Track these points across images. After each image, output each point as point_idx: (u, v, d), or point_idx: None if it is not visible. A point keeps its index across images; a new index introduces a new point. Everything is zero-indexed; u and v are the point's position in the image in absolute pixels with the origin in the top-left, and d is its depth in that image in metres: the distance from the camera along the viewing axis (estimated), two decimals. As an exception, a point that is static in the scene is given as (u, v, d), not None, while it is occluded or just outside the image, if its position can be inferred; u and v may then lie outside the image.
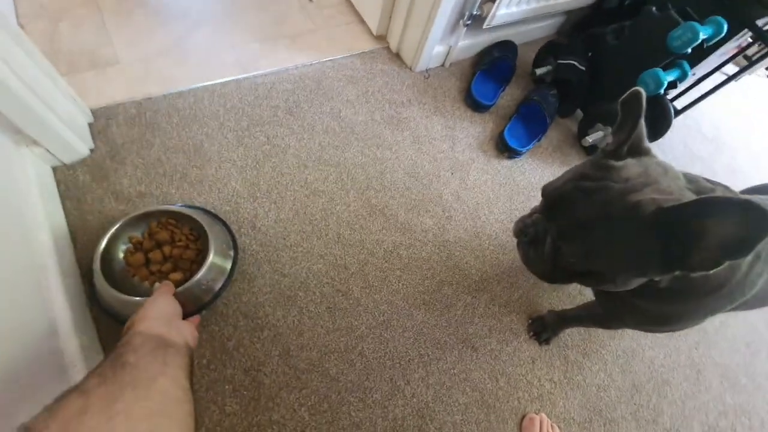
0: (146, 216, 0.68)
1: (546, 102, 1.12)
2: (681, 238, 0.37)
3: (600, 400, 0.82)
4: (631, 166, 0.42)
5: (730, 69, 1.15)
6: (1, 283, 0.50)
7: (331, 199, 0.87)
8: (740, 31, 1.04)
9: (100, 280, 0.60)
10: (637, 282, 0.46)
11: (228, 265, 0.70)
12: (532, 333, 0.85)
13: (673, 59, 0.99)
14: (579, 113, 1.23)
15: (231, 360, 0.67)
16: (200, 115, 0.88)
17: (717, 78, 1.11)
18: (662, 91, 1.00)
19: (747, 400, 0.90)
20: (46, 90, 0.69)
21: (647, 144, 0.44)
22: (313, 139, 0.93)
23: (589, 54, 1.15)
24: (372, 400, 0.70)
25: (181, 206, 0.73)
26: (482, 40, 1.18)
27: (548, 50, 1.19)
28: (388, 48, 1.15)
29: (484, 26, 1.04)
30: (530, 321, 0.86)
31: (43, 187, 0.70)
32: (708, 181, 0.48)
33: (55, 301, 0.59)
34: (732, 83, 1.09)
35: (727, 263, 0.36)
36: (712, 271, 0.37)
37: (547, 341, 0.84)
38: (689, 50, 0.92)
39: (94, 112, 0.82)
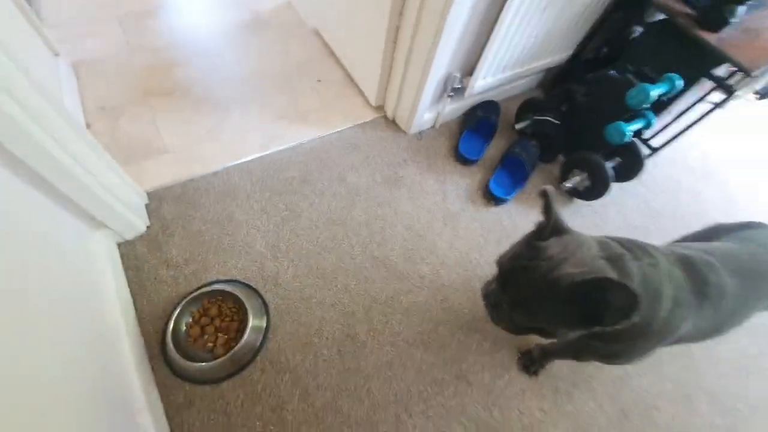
0: (200, 296, 0.86)
1: (527, 152, 1.27)
2: (592, 303, 0.49)
3: (590, 427, 0.89)
4: (553, 245, 0.55)
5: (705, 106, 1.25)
6: (85, 339, 0.67)
7: (339, 254, 1.02)
8: (699, 80, 1.17)
9: (175, 357, 0.77)
10: (574, 334, 0.57)
11: (264, 324, 0.86)
12: (521, 366, 0.95)
13: (636, 112, 1.12)
14: (561, 158, 1.36)
15: (260, 400, 0.81)
16: (231, 189, 1.08)
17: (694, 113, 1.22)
18: (628, 139, 1.12)
19: (734, 423, 0.95)
20: (111, 180, 0.88)
21: (565, 224, 0.57)
22: (323, 203, 1.10)
23: (564, 108, 1.29)
24: (384, 428, 0.81)
25: (223, 282, 0.90)
26: (467, 103, 1.35)
27: (526, 107, 1.35)
28: (385, 116, 1.34)
29: (465, 95, 1.22)
30: (519, 355, 0.96)
31: (112, 261, 0.89)
32: (621, 244, 0.59)
33: (123, 353, 0.76)
34: (718, 110, 1.19)
35: (637, 318, 0.48)
36: (621, 326, 0.49)
37: (535, 373, 0.94)
38: (646, 106, 1.05)
39: (149, 195, 1.02)
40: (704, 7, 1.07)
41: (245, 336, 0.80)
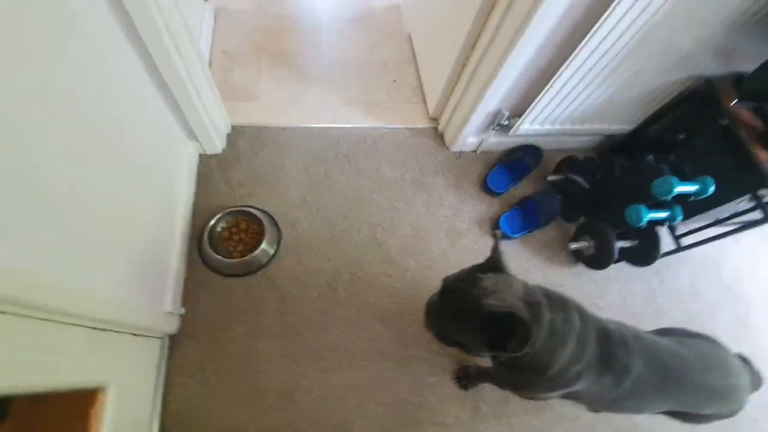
0: (238, 211, 1.12)
1: (547, 203, 1.35)
2: (498, 331, 0.62)
3: (491, 449, 1.01)
4: (488, 279, 0.68)
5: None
6: (158, 202, 0.96)
7: (350, 224, 1.23)
8: (743, 195, 1.16)
9: (211, 255, 1.04)
10: (485, 355, 0.70)
11: (272, 252, 1.11)
12: (455, 376, 1.08)
13: (666, 200, 1.15)
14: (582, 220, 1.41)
15: (248, 300, 1.06)
16: (291, 144, 1.33)
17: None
18: (644, 224, 1.15)
19: None
20: (212, 106, 1.17)
21: (504, 266, 0.69)
22: (355, 180, 1.31)
23: (598, 176, 1.35)
24: (325, 363, 1.02)
25: (257, 209, 1.15)
26: (512, 140, 1.46)
27: (566, 162, 1.42)
28: (436, 128, 1.50)
29: (509, 134, 1.33)
30: (458, 366, 1.09)
31: (191, 164, 1.19)
32: (547, 295, 0.71)
33: (176, 226, 1.05)
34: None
35: (533, 350, 0.61)
36: (522, 354, 0.61)
37: (465, 387, 1.06)
38: (668, 198, 1.09)
39: (233, 127, 1.31)
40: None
41: (256, 252, 1.05)
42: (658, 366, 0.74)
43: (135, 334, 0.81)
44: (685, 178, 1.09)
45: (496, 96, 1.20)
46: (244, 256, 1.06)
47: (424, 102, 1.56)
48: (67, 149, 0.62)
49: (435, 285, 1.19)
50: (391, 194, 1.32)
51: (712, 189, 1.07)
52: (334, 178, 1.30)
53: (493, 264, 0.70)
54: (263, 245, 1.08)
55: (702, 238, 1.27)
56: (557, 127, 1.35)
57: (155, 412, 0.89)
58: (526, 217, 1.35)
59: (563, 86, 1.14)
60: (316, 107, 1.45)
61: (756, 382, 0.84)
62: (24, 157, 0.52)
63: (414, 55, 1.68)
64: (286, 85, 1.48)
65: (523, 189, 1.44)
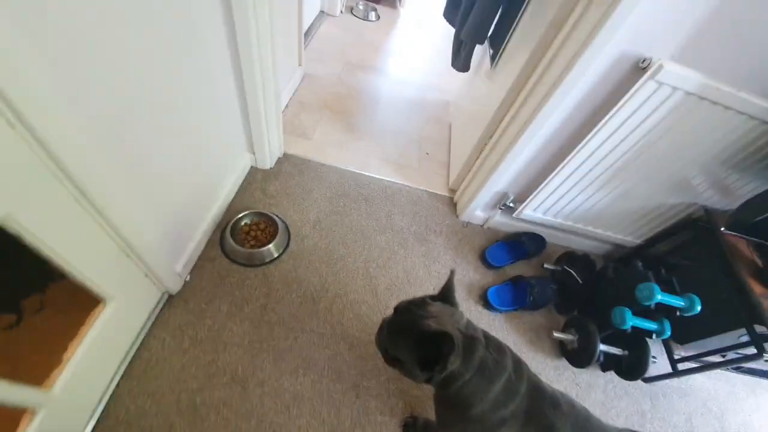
0: (263, 214, 1.34)
1: (540, 288, 1.39)
2: (432, 352, 0.69)
3: None
4: (435, 306, 0.76)
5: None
6: (198, 199, 1.19)
7: (350, 253, 1.37)
8: (739, 328, 1.13)
9: (228, 239, 1.25)
10: (418, 375, 0.74)
11: (276, 254, 1.27)
12: (403, 424, 1.06)
13: (650, 307, 1.16)
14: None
15: (242, 286, 1.19)
16: (323, 177, 1.58)
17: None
18: (627, 328, 1.15)
19: None
20: (275, 134, 1.48)
21: (454, 300, 0.77)
22: (367, 220, 1.49)
23: (593, 274, 1.39)
24: (284, 365, 1.08)
25: (277, 217, 1.36)
26: (518, 225, 1.57)
27: (565, 255, 1.48)
28: (451, 198, 1.68)
29: (514, 216, 1.47)
30: (408, 415, 1.08)
31: (242, 171, 1.47)
32: (487, 338, 0.74)
33: (212, 208, 1.27)
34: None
35: (461, 381, 0.67)
36: (450, 381, 0.67)
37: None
38: (651, 304, 1.10)
39: (285, 154, 1.61)
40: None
41: (262, 249, 1.22)
42: None
43: (146, 275, 0.97)
44: (672, 293, 1.11)
45: (502, 179, 1.38)
46: (252, 250, 1.23)
47: (447, 176, 1.78)
48: (168, 130, 0.89)
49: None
50: (393, 239, 1.46)
51: (698, 308, 1.08)
52: (348, 212, 1.49)
53: (445, 295, 0.79)
54: (270, 246, 1.25)
55: (694, 367, 1.21)
56: (560, 221, 1.46)
57: (131, 349, 0.99)
58: (516, 295, 1.39)
59: (561, 184, 1.29)
60: (354, 156, 1.72)
61: None
62: (144, 130, 0.78)
63: (449, 139, 1.96)
64: (336, 134, 1.80)
65: (519, 269, 1.50)
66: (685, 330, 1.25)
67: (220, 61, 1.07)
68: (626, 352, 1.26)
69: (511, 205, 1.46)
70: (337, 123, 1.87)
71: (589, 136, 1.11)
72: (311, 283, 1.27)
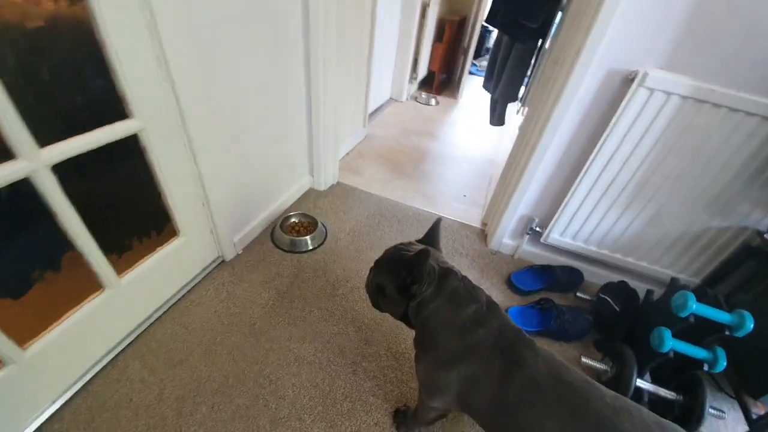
0: (306, 215, 1.62)
1: (571, 316, 1.28)
2: (410, 275, 0.78)
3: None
4: (418, 245, 0.85)
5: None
6: (267, 194, 1.53)
7: (376, 256, 1.50)
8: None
9: (277, 229, 1.54)
10: (398, 303, 0.80)
11: (311, 247, 1.49)
12: (395, 410, 1.01)
13: (711, 340, 1.00)
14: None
15: (279, 265, 1.39)
16: (365, 201, 1.83)
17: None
18: (666, 350, 0.98)
19: None
20: (332, 168, 1.84)
21: (438, 244, 0.84)
22: (396, 235, 1.63)
23: (632, 303, 1.24)
24: (293, 330, 1.17)
25: (320, 221, 1.61)
26: (552, 258, 1.53)
27: (607, 287, 1.36)
28: (483, 230, 1.75)
29: (541, 240, 1.46)
30: (403, 405, 1.03)
31: (301, 188, 1.81)
32: (463, 277, 0.79)
33: (270, 208, 1.58)
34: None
35: (434, 305, 0.73)
36: (423, 303, 0.74)
37: (398, 425, 0.98)
38: (688, 316, 0.95)
39: (338, 182, 1.94)
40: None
41: (300, 239, 1.45)
42: (560, 382, 0.65)
43: (212, 231, 1.26)
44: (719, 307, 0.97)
45: (524, 202, 1.45)
46: (294, 239, 1.47)
47: (482, 213, 1.87)
48: (256, 130, 1.28)
49: (409, 342, 1.25)
50: (419, 254, 1.55)
51: (750, 325, 0.91)
52: (381, 228, 1.67)
53: (429, 238, 0.88)
54: (307, 238, 1.47)
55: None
56: (594, 249, 1.40)
57: (183, 290, 1.23)
58: (541, 319, 1.30)
59: (582, 204, 1.31)
60: (396, 190, 1.97)
61: None
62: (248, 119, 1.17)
63: (488, 186, 2.11)
64: (384, 174, 2.10)
65: (548, 295, 1.41)
66: (762, 376, 1.01)
67: (299, 110, 1.51)
68: (679, 397, 1.04)
69: (538, 229, 1.47)
70: (386, 167, 2.19)
71: (596, 149, 1.18)
72: (336, 273, 1.41)
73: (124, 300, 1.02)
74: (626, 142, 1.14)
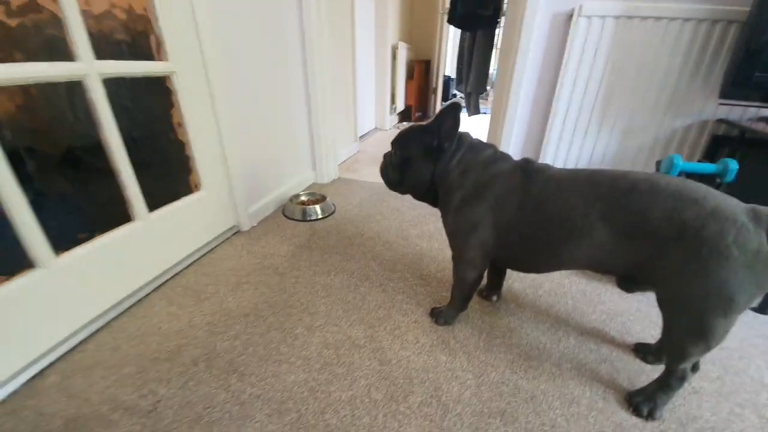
0: (311, 193, 1.71)
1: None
2: (437, 135, 0.87)
3: (421, 373, 0.79)
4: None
5: None
6: (279, 178, 1.64)
7: (385, 218, 1.56)
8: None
9: (288, 203, 1.62)
10: (426, 168, 0.88)
11: (321, 215, 1.56)
12: (432, 311, 1.00)
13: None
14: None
15: (295, 230, 1.42)
16: (367, 187, 1.94)
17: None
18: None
19: None
20: (332, 167, 1.99)
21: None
22: (402, 203, 1.72)
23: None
24: (317, 268, 1.18)
25: (328, 198, 1.70)
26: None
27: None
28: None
29: (535, 180, 1.58)
30: (437, 305, 1.02)
31: (304, 179, 1.92)
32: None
33: (279, 190, 1.66)
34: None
35: (459, 156, 0.82)
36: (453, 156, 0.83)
37: (437, 320, 0.96)
38: (679, 174, 1.04)
39: (339, 177, 2.07)
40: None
41: (310, 207, 1.52)
42: (572, 172, 0.73)
43: (229, 196, 1.33)
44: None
45: (512, 148, 1.60)
46: (305, 210, 1.53)
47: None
48: (266, 117, 1.45)
49: (434, 263, 1.27)
50: (427, 212, 1.62)
51: (734, 167, 1.00)
52: (387, 200, 1.76)
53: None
54: (317, 206, 1.54)
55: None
56: (582, 176, 1.52)
57: (202, 249, 1.24)
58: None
59: (562, 130, 1.48)
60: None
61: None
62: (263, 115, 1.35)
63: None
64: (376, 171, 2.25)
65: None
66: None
67: (301, 111, 1.72)
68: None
69: (530, 171, 1.59)
70: (376, 166, 2.35)
71: (560, 79, 1.39)
72: (349, 231, 1.45)
73: (152, 236, 1.04)
74: (582, 67, 1.35)
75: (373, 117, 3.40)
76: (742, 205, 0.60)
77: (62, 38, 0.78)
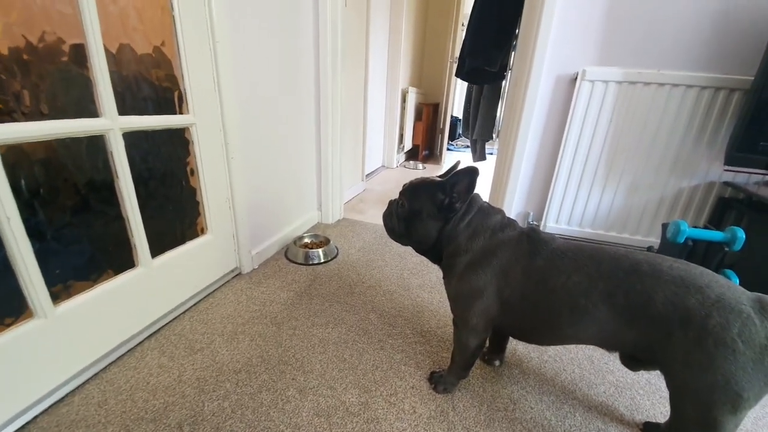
0: (315, 235, 1.72)
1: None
2: (449, 194, 0.87)
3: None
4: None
5: None
6: (286, 218, 1.65)
7: (387, 264, 1.54)
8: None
9: (291, 245, 1.63)
10: (433, 225, 0.87)
11: (323, 260, 1.56)
12: (431, 376, 0.96)
13: (716, 265, 1.05)
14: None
15: (297, 275, 1.41)
16: (371, 229, 1.94)
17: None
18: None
19: None
20: (337, 207, 2.01)
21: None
22: (406, 252, 1.71)
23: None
24: (316, 319, 1.15)
25: (331, 241, 1.71)
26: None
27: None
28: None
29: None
30: (437, 368, 0.98)
31: (309, 219, 1.93)
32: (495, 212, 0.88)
33: (284, 231, 1.67)
34: None
35: (467, 219, 0.83)
36: (461, 218, 0.84)
37: (436, 387, 0.92)
38: (685, 240, 1.02)
39: (344, 217, 2.08)
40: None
41: (313, 252, 1.52)
42: (579, 248, 0.72)
43: (233, 236, 1.33)
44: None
45: (517, 200, 1.61)
46: (308, 254, 1.53)
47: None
48: (277, 155, 1.49)
49: (435, 318, 1.24)
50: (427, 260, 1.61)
51: (742, 236, 0.99)
52: (390, 244, 1.75)
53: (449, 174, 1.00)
54: (320, 250, 1.54)
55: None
56: (590, 231, 1.51)
57: (202, 293, 1.23)
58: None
59: (566, 188, 1.49)
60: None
61: None
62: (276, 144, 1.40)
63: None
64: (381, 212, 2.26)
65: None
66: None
67: (310, 153, 1.78)
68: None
69: (534, 223, 1.59)
70: (382, 207, 2.36)
71: (564, 138, 1.42)
72: (351, 278, 1.43)
73: (153, 282, 1.04)
74: (586, 127, 1.38)
75: (381, 155, 3.48)
76: (747, 293, 0.59)
77: (90, 95, 0.83)
